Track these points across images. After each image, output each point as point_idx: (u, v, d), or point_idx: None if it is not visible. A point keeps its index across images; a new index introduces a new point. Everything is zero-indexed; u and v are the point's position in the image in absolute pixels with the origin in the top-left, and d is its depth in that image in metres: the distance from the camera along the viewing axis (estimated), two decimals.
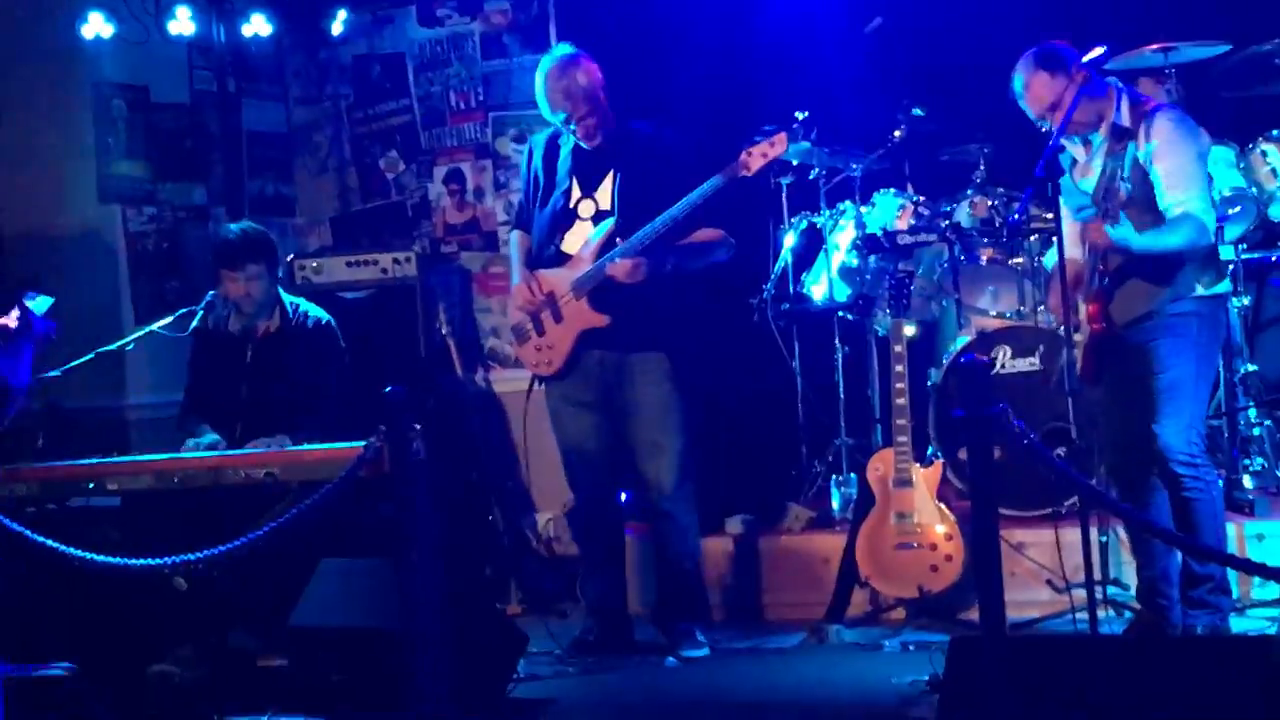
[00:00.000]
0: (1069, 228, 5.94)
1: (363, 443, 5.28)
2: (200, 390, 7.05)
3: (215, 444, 6.65)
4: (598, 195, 6.56)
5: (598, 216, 6.54)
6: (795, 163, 7.90)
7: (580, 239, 6.54)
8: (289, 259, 8.50)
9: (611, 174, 6.54)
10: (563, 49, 6.66)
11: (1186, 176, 5.68)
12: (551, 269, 6.59)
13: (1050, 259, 6.35)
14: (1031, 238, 7.48)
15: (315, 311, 7.11)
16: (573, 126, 6.55)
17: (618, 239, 6.42)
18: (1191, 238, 5.65)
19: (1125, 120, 5.79)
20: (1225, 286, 5.95)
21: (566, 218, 6.60)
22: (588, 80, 6.51)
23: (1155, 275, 5.74)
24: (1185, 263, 5.73)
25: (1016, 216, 6.85)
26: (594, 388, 6.61)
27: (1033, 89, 5.87)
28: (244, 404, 6.87)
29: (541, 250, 6.66)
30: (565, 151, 6.66)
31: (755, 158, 6.40)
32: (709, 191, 6.35)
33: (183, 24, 8.31)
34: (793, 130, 7.66)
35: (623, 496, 7.26)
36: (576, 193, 6.59)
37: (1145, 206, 5.68)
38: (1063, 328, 5.89)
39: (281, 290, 7.13)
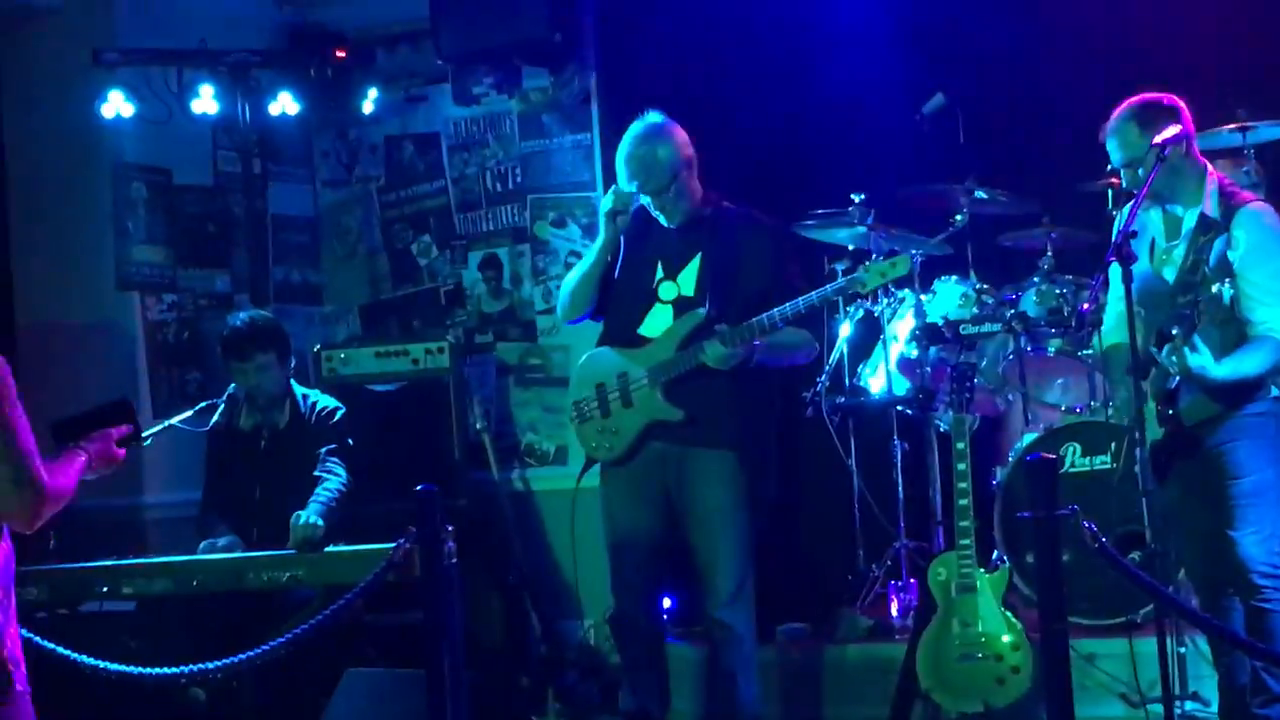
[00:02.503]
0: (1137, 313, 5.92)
1: (391, 545, 5.28)
2: (216, 490, 7.11)
3: (232, 545, 6.68)
4: (680, 280, 6.52)
5: (680, 302, 6.50)
6: (851, 247, 7.91)
7: (659, 323, 6.53)
8: (315, 349, 8.55)
9: (699, 258, 6.52)
10: (651, 117, 6.59)
11: (1272, 293, 5.66)
12: (626, 349, 6.58)
13: (1098, 344, 6.33)
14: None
15: (325, 401, 7.18)
16: (646, 200, 6.53)
17: (715, 328, 6.37)
18: (1272, 362, 5.64)
19: (1215, 212, 5.77)
20: None
21: (647, 299, 6.56)
22: (670, 155, 6.46)
23: None
24: None
25: (1086, 305, 6.85)
26: (653, 482, 6.55)
27: (1120, 135, 5.88)
28: (259, 503, 6.90)
29: (617, 329, 6.63)
30: (653, 228, 6.61)
31: (873, 275, 6.43)
32: (826, 298, 6.39)
33: (206, 103, 8.39)
34: (849, 214, 7.70)
35: (667, 602, 7.25)
36: (659, 273, 6.57)
37: (1228, 310, 5.65)
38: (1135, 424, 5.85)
39: (294, 382, 7.18)
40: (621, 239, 6.65)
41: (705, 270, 6.49)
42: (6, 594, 3.91)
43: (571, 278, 6.81)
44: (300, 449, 7.01)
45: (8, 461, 3.74)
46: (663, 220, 6.57)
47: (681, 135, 6.56)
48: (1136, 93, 5.98)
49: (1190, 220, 5.80)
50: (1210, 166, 5.95)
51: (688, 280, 6.52)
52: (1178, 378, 5.64)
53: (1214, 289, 5.45)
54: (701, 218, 6.59)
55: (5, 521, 3.89)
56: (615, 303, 6.66)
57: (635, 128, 6.56)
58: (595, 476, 6.77)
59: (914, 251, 7.82)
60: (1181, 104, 5.88)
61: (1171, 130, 5.76)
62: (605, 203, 6.60)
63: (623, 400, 6.52)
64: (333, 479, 6.88)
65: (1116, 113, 5.93)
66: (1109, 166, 6.07)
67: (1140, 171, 5.78)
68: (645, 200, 6.52)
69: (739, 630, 6.55)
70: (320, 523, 6.50)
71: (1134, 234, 5.79)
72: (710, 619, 6.59)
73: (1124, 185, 5.97)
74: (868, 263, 6.60)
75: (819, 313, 7.72)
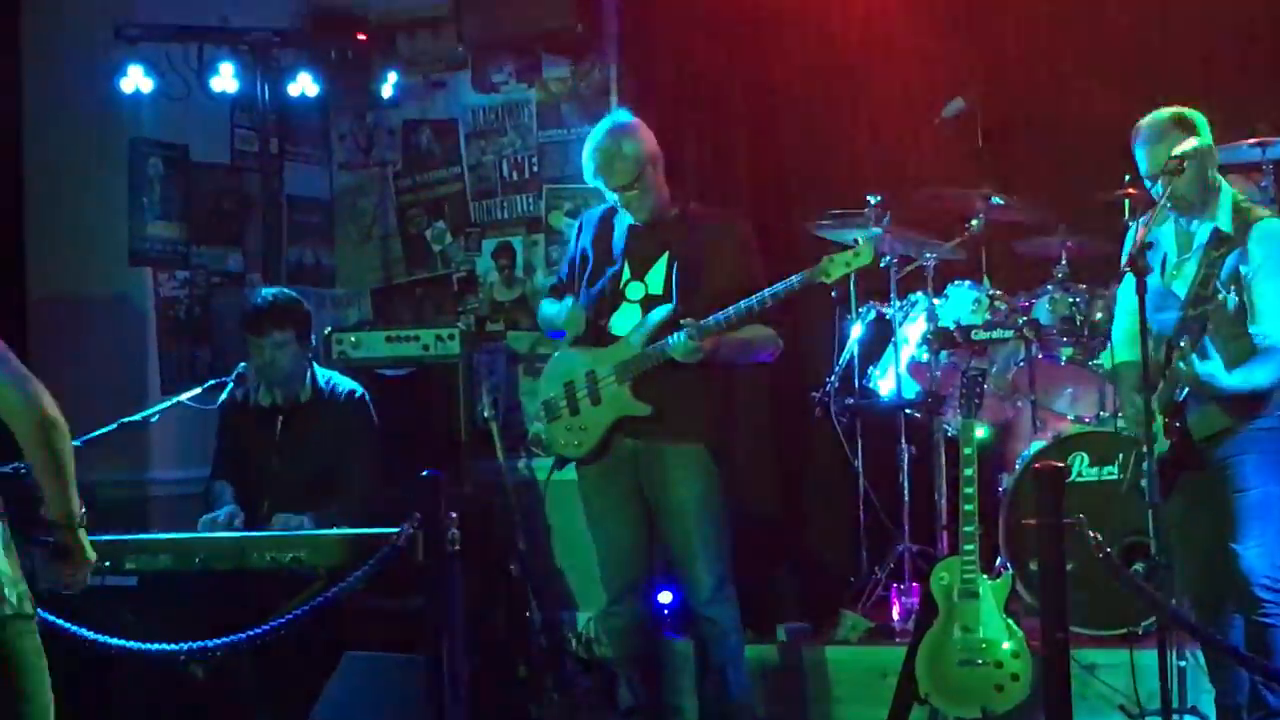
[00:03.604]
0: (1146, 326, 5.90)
1: (395, 529, 5.28)
2: (227, 464, 7.14)
3: (232, 515, 6.71)
4: (648, 279, 6.55)
5: (647, 301, 6.52)
6: None
7: (627, 322, 6.54)
8: (326, 332, 8.55)
9: (665, 257, 6.54)
10: (619, 115, 6.72)
11: None
12: (594, 348, 6.59)
13: (1107, 359, 6.33)
14: None
15: (346, 384, 7.20)
16: (614, 197, 6.55)
17: (681, 322, 6.38)
18: (1278, 376, 5.65)
19: (1229, 226, 5.77)
20: None
21: (614, 299, 6.59)
22: (635, 150, 6.50)
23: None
24: None
25: (1100, 315, 6.85)
26: (626, 478, 6.58)
27: (1163, 143, 5.84)
28: (272, 479, 6.92)
29: (586, 329, 6.66)
30: (619, 230, 6.67)
31: (838, 265, 6.39)
32: (791, 289, 6.36)
33: (226, 81, 8.37)
34: (864, 215, 7.69)
35: (669, 596, 7.25)
36: (626, 274, 6.59)
37: (1238, 323, 5.65)
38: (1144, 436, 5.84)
39: (314, 363, 7.19)
40: (589, 248, 6.69)
41: (672, 268, 6.51)
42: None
43: (545, 315, 6.89)
44: (317, 428, 7.04)
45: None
46: (629, 218, 6.60)
47: (648, 133, 6.60)
48: (1156, 103, 5.97)
49: (1202, 235, 5.80)
50: (1225, 182, 5.95)
51: (655, 279, 6.54)
52: (1186, 390, 5.63)
53: (1220, 297, 5.45)
54: (668, 217, 6.61)
55: (27, 421, 3.94)
56: (589, 300, 6.67)
57: (602, 124, 6.63)
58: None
59: (928, 255, 7.83)
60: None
61: (1191, 143, 5.75)
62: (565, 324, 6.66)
63: (591, 398, 6.54)
64: (345, 498, 6.92)
65: (1154, 119, 5.90)
66: (1127, 178, 6.05)
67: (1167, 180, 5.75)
68: (613, 198, 6.55)
69: (725, 625, 6.56)
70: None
71: (1150, 245, 5.79)
72: (696, 615, 6.61)
73: (1153, 192, 5.92)
74: (831, 254, 6.57)
75: (831, 313, 7.75)
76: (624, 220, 6.65)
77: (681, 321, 6.35)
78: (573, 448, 6.62)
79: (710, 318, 6.31)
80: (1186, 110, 5.91)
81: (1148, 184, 5.95)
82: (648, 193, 6.53)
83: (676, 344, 6.32)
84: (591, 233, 6.74)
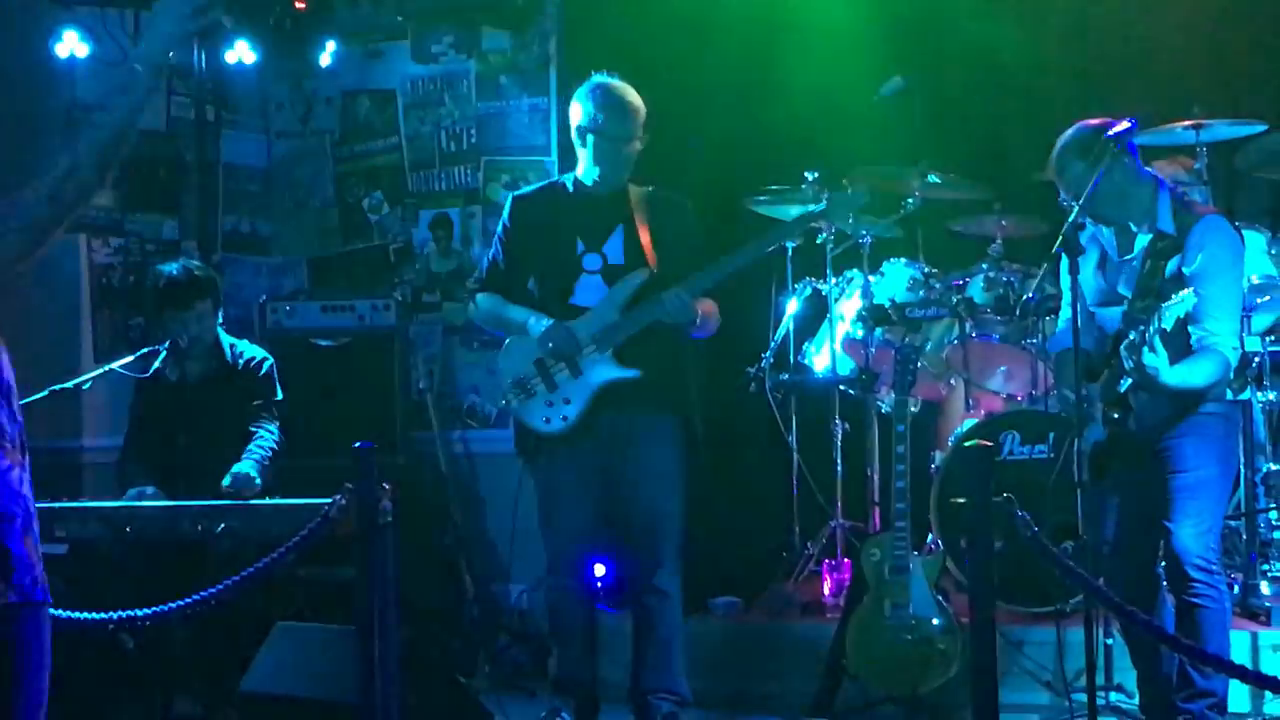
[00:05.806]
0: (1084, 314, 5.95)
1: (327, 500, 5.27)
2: (140, 441, 7.09)
3: (157, 496, 6.67)
4: (605, 250, 6.54)
5: (609, 271, 6.52)
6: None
7: (592, 292, 6.53)
8: (261, 300, 8.53)
9: (621, 228, 6.54)
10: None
11: (1223, 307, 5.73)
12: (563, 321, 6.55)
13: (1054, 343, 6.37)
14: (1047, 317, 7.49)
15: (252, 351, 7.15)
16: (623, 153, 6.49)
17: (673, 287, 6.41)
18: (1217, 375, 5.70)
19: (1169, 226, 5.80)
20: (1249, 392, 5.98)
21: (573, 270, 6.56)
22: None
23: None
24: None
25: (1032, 295, 6.90)
26: (600, 453, 6.54)
27: (1066, 175, 5.91)
28: (184, 454, 6.87)
29: (548, 302, 6.59)
30: (564, 205, 6.63)
31: (839, 206, 6.67)
32: (794, 232, 6.65)
33: None
34: (803, 191, 7.72)
35: (603, 570, 7.28)
36: (580, 246, 6.57)
37: (1183, 319, 5.70)
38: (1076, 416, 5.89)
39: (221, 331, 7.14)
40: (536, 225, 6.65)
41: (633, 238, 6.52)
42: None
43: (491, 320, 6.77)
44: (227, 399, 7.00)
45: None
46: (583, 188, 6.59)
47: None
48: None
49: (1144, 239, 5.83)
50: (1159, 177, 5.98)
51: (614, 250, 6.54)
52: (1129, 381, 5.67)
53: (1177, 296, 5.48)
54: (618, 190, 6.61)
55: None
56: (542, 276, 6.65)
57: (615, 80, 6.56)
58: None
59: (864, 232, 7.86)
60: (1115, 122, 5.88)
61: (1122, 124, 5.78)
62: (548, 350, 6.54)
63: (570, 370, 6.50)
64: (267, 436, 6.88)
65: (1057, 152, 5.94)
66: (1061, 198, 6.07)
67: (1097, 181, 5.77)
68: (622, 154, 6.50)
69: (675, 597, 6.57)
70: (257, 479, 6.52)
71: (1082, 226, 5.83)
72: (649, 587, 6.59)
73: (1081, 215, 5.92)
74: (814, 214, 6.67)
75: (768, 289, 7.77)
76: (565, 195, 6.63)
77: (674, 287, 6.36)
78: (559, 421, 6.53)
79: (706, 269, 6.39)
80: (1086, 127, 5.93)
81: (1070, 204, 5.95)
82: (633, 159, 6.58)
83: (670, 304, 6.33)
84: (532, 209, 6.69)
